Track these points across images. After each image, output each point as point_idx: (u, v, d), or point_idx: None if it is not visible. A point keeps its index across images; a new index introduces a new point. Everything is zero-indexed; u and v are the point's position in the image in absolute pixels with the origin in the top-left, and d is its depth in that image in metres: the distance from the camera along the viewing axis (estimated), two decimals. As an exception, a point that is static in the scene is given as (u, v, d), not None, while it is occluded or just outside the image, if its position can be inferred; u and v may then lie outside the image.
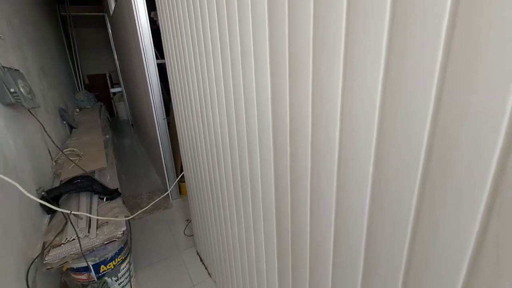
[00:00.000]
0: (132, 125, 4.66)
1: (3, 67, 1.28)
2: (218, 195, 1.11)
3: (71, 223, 1.22)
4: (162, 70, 2.32)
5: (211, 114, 0.95)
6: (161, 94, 2.27)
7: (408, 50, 0.30)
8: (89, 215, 1.23)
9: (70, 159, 1.77)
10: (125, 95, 4.73)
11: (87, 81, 5.60)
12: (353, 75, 0.37)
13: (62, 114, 2.59)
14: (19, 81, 1.33)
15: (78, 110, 3.60)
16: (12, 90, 1.26)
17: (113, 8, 3.31)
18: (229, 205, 1.01)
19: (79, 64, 4.87)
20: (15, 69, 1.37)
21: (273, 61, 0.54)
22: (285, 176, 0.59)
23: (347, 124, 0.40)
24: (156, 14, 2.60)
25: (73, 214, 1.22)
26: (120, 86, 5.01)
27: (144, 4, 2.07)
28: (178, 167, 2.24)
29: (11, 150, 1.31)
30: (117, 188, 1.58)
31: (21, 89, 1.32)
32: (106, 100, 5.33)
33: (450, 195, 0.29)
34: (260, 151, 0.68)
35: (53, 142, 1.70)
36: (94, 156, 1.90)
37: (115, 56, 4.74)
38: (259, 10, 0.55)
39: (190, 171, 1.47)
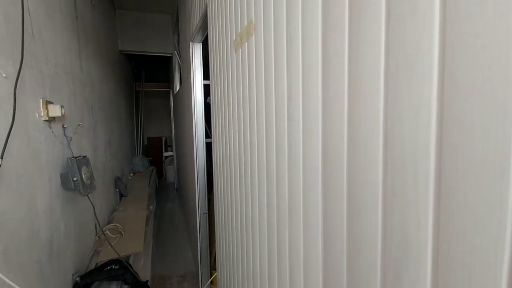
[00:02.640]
0: (176, 189, 4.84)
1: (73, 157, 1.44)
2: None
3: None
4: (210, 148, 2.44)
5: (250, 211, 0.88)
6: (205, 172, 2.33)
7: None
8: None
9: (110, 239, 1.79)
10: (175, 160, 5.07)
11: (146, 142, 6.23)
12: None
13: (117, 182, 2.79)
14: (83, 168, 1.46)
15: (132, 174, 3.89)
16: (75, 178, 1.38)
17: (177, 89, 3.81)
18: None
19: (142, 129, 5.50)
20: (83, 156, 1.53)
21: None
22: None
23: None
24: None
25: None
26: (172, 151, 5.42)
27: (201, 90, 2.29)
28: (213, 254, 2.12)
29: (60, 235, 1.36)
30: (147, 281, 1.51)
31: (83, 176, 1.44)
32: (158, 162, 5.76)
33: None
34: (305, 269, 0.56)
35: (99, 224, 1.76)
36: (133, 235, 1.91)
37: (172, 124, 5.27)
38: (310, 91, 0.50)
39: (223, 272, 1.35)
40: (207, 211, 2.06)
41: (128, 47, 3.82)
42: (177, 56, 3.61)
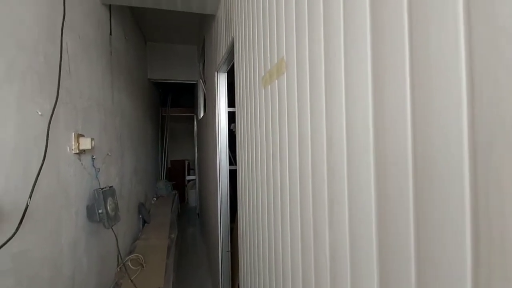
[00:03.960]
0: (198, 214, 4.80)
1: (100, 188, 1.44)
2: None
3: None
4: (233, 175, 2.39)
5: (281, 263, 0.78)
6: (228, 199, 2.26)
7: None
8: None
9: (131, 271, 1.75)
10: (197, 184, 5.08)
11: (169, 165, 6.35)
12: None
13: (140, 208, 2.80)
14: (109, 199, 1.46)
15: (155, 198, 3.92)
16: (100, 211, 1.37)
17: (201, 115, 3.89)
18: None
19: (167, 153, 5.63)
20: (109, 187, 1.54)
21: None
22: None
23: None
24: (235, 126, 2.89)
25: None
26: (195, 174, 5.45)
27: (226, 119, 2.29)
28: (235, 289, 2.00)
29: (82, 270, 1.33)
30: (167, 323, 1.42)
31: (108, 208, 1.43)
32: (181, 186, 5.80)
33: None
34: None
35: (120, 256, 1.73)
36: (154, 268, 1.86)
37: (196, 149, 5.34)
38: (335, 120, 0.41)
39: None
40: (229, 249, 1.96)
41: (156, 76, 4.01)
42: (202, 84, 3.72)
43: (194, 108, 5.49)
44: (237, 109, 1.46)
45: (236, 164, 2.05)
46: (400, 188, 0.37)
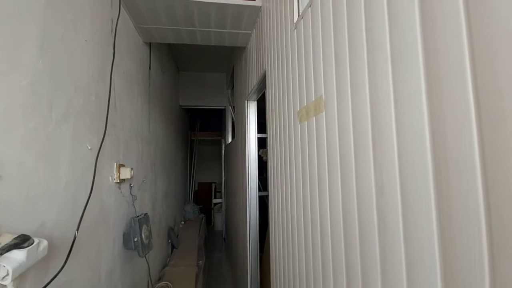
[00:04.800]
0: (224, 239, 4.76)
1: (136, 216, 1.49)
2: None
3: None
4: (262, 202, 2.36)
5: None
6: (257, 226, 2.22)
7: None
8: None
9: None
10: (223, 207, 5.08)
11: (196, 188, 6.46)
12: None
13: (169, 233, 2.84)
14: (144, 227, 1.50)
15: (183, 222, 3.96)
16: (135, 239, 1.41)
17: (229, 140, 3.98)
18: None
19: (194, 176, 5.75)
20: (144, 214, 1.59)
21: None
22: None
23: None
24: (263, 152, 2.89)
25: None
26: (221, 198, 5.48)
27: (255, 146, 2.31)
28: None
29: (116, 298, 1.35)
30: None
31: (143, 236, 1.47)
32: (207, 209, 5.84)
33: None
34: None
35: (151, 283, 1.74)
36: (183, 297, 1.83)
37: (223, 172, 5.41)
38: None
39: None
40: (259, 286, 1.90)
41: (187, 103, 4.22)
42: (230, 109, 3.84)
43: (221, 131, 5.63)
44: (268, 139, 1.47)
45: (264, 190, 2.03)
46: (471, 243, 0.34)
